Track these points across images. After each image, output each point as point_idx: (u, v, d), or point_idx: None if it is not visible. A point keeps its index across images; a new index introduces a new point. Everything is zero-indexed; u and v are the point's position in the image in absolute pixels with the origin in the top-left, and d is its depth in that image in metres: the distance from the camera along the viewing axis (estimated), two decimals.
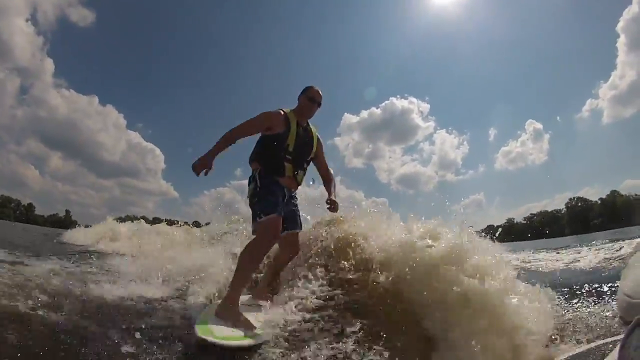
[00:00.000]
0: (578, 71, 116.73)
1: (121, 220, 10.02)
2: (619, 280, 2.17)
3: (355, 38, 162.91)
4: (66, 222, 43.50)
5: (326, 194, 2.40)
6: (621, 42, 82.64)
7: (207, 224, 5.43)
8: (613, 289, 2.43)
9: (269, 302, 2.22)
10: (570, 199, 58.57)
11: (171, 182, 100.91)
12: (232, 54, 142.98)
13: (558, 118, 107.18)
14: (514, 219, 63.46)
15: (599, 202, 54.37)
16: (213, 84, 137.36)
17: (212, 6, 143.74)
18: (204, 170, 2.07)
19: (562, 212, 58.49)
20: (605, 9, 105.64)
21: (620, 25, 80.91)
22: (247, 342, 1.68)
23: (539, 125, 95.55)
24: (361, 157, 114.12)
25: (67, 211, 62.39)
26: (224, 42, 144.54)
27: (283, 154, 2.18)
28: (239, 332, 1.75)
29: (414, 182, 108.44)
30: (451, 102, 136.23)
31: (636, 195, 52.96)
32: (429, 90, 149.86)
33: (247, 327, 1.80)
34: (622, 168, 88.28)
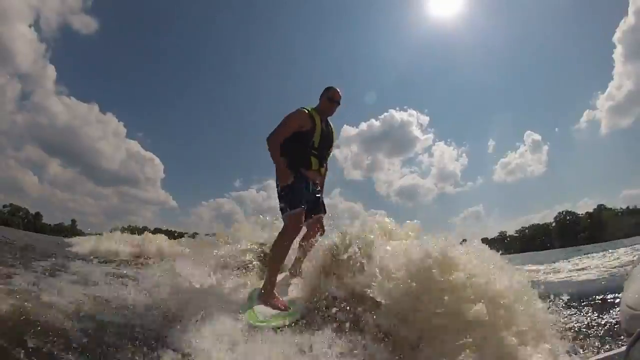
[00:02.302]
0: (575, 82, 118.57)
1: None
2: (621, 291, 2.20)
3: (354, 50, 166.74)
4: (72, 232, 44.17)
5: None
6: (618, 52, 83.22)
7: (207, 234, 5.37)
8: (616, 300, 2.47)
9: (300, 278, 2.52)
10: (559, 213, 59.63)
11: (170, 192, 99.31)
12: (234, 64, 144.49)
13: (556, 129, 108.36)
14: (506, 232, 64.00)
15: (586, 215, 55.53)
16: (214, 95, 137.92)
17: (214, 16, 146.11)
18: (291, 180, 2.34)
19: (552, 225, 59.39)
20: (601, 20, 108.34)
21: (616, 36, 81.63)
22: (286, 321, 1.98)
23: (538, 137, 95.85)
24: (360, 169, 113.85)
25: (73, 220, 61.89)
26: (225, 52, 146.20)
27: (309, 149, 2.40)
28: (278, 313, 2.05)
29: (413, 194, 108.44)
30: (450, 114, 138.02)
31: (621, 208, 54.47)
32: (428, 102, 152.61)
33: (284, 307, 2.10)
34: (620, 178, 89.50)
